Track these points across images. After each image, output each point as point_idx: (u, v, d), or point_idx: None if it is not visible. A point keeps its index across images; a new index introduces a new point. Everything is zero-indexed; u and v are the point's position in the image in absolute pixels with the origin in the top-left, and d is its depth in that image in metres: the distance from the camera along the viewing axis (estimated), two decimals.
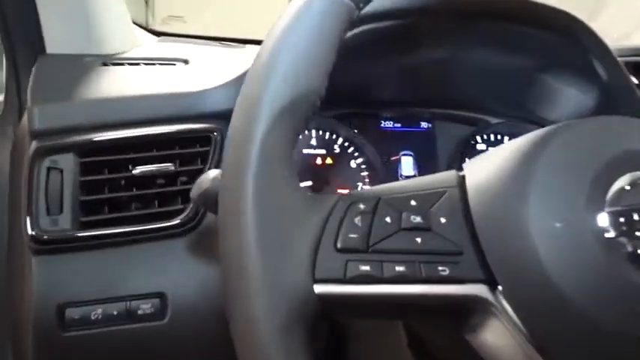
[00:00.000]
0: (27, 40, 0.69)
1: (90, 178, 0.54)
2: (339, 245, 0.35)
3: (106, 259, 0.53)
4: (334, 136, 0.76)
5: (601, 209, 0.34)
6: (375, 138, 0.77)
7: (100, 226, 0.53)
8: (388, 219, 0.36)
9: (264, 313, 0.32)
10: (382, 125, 0.78)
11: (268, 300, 0.32)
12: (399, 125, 0.78)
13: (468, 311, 0.36)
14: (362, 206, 0.37)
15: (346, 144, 0.76)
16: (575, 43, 0.62)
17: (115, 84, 0.61)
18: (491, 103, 0.73)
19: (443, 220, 0.37)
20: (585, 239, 0.33)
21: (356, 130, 0.76)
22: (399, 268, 0.35)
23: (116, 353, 0.52)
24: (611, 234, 0.33)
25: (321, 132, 0.75)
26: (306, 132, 0.75)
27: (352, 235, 0.35)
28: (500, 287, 0.35)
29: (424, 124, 0.79)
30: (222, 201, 0.35)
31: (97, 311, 0.51)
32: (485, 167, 0.38)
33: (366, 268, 0.35)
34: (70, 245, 0.52)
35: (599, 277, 0.32)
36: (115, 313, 0.51)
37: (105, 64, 0.66)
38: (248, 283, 0.33)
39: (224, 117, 0.54)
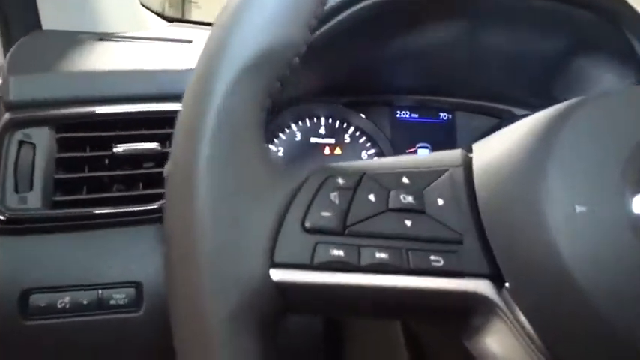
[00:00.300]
0: (21, 17, 0.66)
1: (67, 155, 0.50)
2: (307, 224, 0.29)
3: (78, 242, 0.48)
4: (345, 125, 0.70)
5: (637, 192, 0.27)
6: (389, 128, 0.72)
7: (74, 207, 0.49)
8: (372, 197, 0.30)
9: (208, 302, 0.27)
10: (398, 115, 0.73)
11: (214, 286, 0.27)
12: (416, 116, 0.73)
13: (466, 312, 0.30)
14: (341, 181, 0.31)
15: (357, 134, 0.70)
16: (614, 22, 0.55)
17: (103, 59, 0.57)
18: (516, 91, 0.67)
19: (440, 202, 0.31)
20: (616, 228, 0.26)
21: (369, 120, 0.70)
22: (381, 255, 0.29)
23: (85, 346, 0.48)
24: None
25: (330, 120, 0.70)
26: (315, 120, 0.70)
27: (325, 214, 0.29)
28: (507, 284, 0.29)
29: (443, 115, 0.73)
30: (172, 170, 0.30)
31: (65, 299, 0.46)
32: (497, 145, 0.32)
33: (338, 252, 0.28)
34: (39, 226, 0.47)
35: (632, 277, 0.26)
36: (85, 302, 0.47)
37: (99, 40, 0.62)
38: (192, 266, 0.27)
39: None
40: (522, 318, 0.28)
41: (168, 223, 0.29)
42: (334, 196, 0.30)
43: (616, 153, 0.28)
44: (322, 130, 0.70)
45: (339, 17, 0.53)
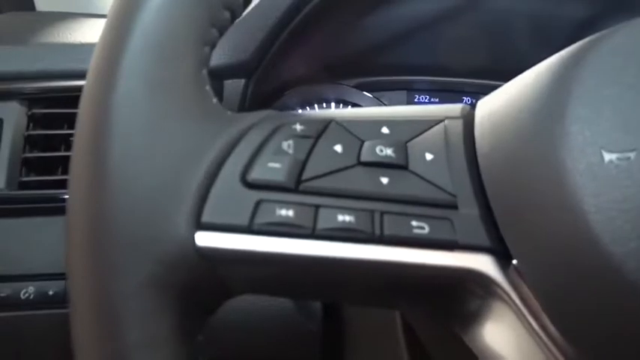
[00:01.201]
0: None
1: (39, 132, 0.46)
2: (249, 177, 0.23)
3: (45, 227, 0.44)
4: None
5: None
6: None
7: (43, 188, 0.44)
8: (339, 147, 0.24)
9: (111, 271, 0.20)
10: (416, 99, 0.66)
11: (119, 250, 0.21)
12: (436, 100, 0.66)
13: (459, 294, 0.23)
14: (299, 127, 0.24)
15: (373, 107, 0.64)
16: None
17: (84, 33, 0.53)
18: None
19: (429, 156, 0.24)
20: None
21: (383, 104, 0.64)
22: (344, 218, 0.22)
23: (52, 341, 0.43)
24: None
25: (341, 104, 0.64)
26: (324, 104, 0.64)
27: (274, 165, 0.23)
28: (514, 261, 0.22)
29: (467, 99, 0.66)
30: (83, 98, 0.23)
31: (29, 289, 0.42)
32: (505, 92, 0.26)
33: (287, 213, 0.22)
34: (2, 207, 0.43)
35: None
36: (51, 292, 0.42)
37: (81, 18, 0.58)
38: (95, 222, 0.21)
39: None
40: (533, 302, 0.21)
41: (72, 169, 0.23)
42: (288, 144, 0.24)
43: None
44: None
45: None
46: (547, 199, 0.21)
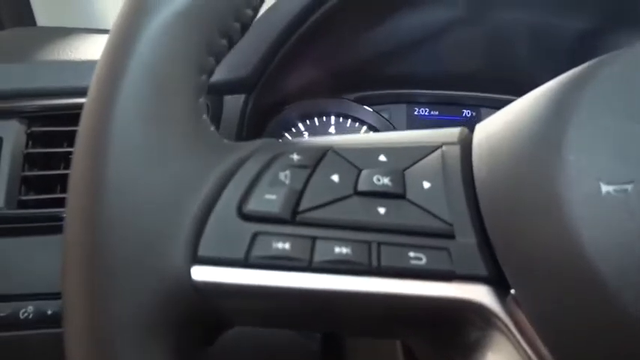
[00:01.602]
0: (15, 13, 0.63)
1: (39, 150, 0.46)
2: (245, 209, 0.22)
3: (45, 247, 0.43)
4: (357, 124, 0.64)
5: None
6: (406, 127, 0.65)
7: (43, 207, 0.44)
8: (336, 177, 0.24)
9: (107, 302, 0.20)
10: (416, 112, 0.66)
11: (116, 282, 0.20)
12: (436, 113, 0.66)
13: (458, 325, 0.23)
14: (296, 157, 0.24)
15: (371, 133, 0.64)
16: None
17: (85, 50, 0.53)
18: (546, 79, 0.59)
19: (426, 184, 0.24)
20: None
21: (384, 117, 0.64)
22: (341, 250, 0.22)
23: None
24: None
25: (341, 118, 0.64)
26: (324, 117, 0.64)
27: (270, 196, 0.23)
28: (512, 290, 0.22)
29: (466, 112, 0.66)
30: (81, 127, 0.23)
31: (28, 309, 0.42)
32: (503, 117, 0.25)
33: (283, 246, 0.22)
34: (2, 227, 0.43)
35: None
36: (50, 312, 0.42)
37: (80, 34, 0.58)
38: (90, 253, 0.21)
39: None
40: (530, 332, 0.21)
41: (69, 198, 0.22)
42: (285, 175, 0.23)
43: None
44: (332, 129, 0.64)
45: None
46: (543, 229, 0.21)
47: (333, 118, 0.64)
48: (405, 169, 0.24)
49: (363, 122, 0.64)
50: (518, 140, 0.23)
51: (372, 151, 0.25)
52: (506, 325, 0.22)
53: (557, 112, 0.23)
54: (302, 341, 0.46)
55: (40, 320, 0.42)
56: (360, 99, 0.64)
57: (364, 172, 0.24)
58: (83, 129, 0.23)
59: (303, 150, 0.25)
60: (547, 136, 0.22)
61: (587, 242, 0.19)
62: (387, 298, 0.22)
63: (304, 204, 0.23)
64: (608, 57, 0.25)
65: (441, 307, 0.22)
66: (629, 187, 0.20)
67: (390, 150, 0.25)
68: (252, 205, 0.22)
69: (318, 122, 0.64)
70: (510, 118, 0.25)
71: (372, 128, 0.64)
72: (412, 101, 0.66)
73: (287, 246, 0.22)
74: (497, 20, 0.53)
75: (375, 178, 0.24)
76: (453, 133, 0.26)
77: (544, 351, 0.21)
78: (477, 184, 0.24)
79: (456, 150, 0.25)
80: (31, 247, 0.43)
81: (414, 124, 0.65)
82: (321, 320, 0.25)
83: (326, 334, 0.47)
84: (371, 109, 0.64)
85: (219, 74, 0.50)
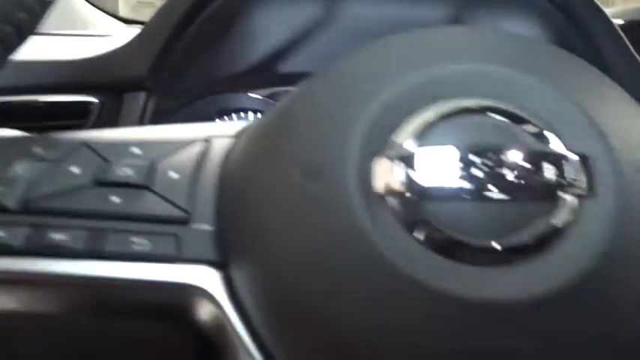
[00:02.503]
0: None
1: None
2: None
3: None
4: None
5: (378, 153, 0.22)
6: None
7: None
8: (76, 169, 0.26)
9: None
10: None
11: None
12: None
13: (183, 310, 0.24)
14: (40, 150, 0.26)
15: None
16: None
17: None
18: None
19: (174, 175, 0.26)
20: (347, 201, 0.21)
21: None
22: (55, 236, 0.24)
23: None
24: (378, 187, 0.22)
25: (259, 114, 0.67)
26: (241, 113, 0.66)
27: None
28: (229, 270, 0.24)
29: None
30: None
31: None
32: (267, 114, 0.27)
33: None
34: None
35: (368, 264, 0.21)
36: None
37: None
38: None
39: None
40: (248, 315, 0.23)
41: None
42: (18, 167, 0.25)
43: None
44: None
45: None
46: (254, 219, 0.23)
47: (250, 113, 0.66)
48: (158, 161, 0.26)
49: None
50: (258, 137, 0.26)
51: (126, 145, 0.27)
52: (224, 310, 0.23)
53: (275, 122, 0.26)
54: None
55: None
56: (273, 95, 0.66)
57: (109, 164, 0.26)
58: None
59: (52, 144, 0.26)
60: (267, 144, 0.25)
61: (277, 231, 0.23)
62: (106, 282, 0.24)
63: (35, 194, 0.25)
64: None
65: (163, 290, 0.24)
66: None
67: (147, 143, 0.27)
68: None
69: (236, 118, 0.66)
70: (266, 116, 0.27)
71: None
72: None
73: (1, 233, 0.24)
74: (354, 16, 0.55)
75: (120, 170, 0.25)
76: (233, 126, 0.28)
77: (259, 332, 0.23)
78: (223, 176, 0.26)
79: (224, 143, 0.27)
80: None
81: None
82: (25, 303, 0.26)
83: None
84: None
85: (119, 71, 0.52)
